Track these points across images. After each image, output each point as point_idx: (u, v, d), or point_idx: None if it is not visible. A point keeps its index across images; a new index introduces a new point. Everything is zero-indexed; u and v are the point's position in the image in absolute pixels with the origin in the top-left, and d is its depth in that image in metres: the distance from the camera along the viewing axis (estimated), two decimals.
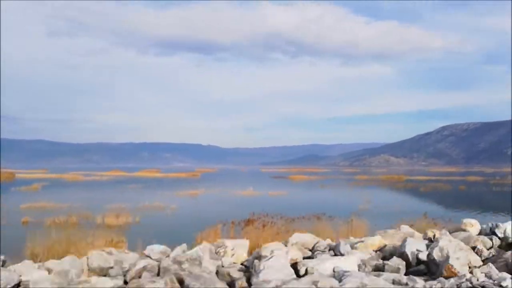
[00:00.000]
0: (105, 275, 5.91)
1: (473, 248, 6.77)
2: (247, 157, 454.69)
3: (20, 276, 5.37)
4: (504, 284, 4.86)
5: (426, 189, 38.14)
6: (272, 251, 6.32)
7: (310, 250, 7.16)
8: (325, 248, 7.07)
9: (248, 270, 5.94)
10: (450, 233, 7.88)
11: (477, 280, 5.08)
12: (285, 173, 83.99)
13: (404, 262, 6.20)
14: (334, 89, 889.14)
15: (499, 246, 7.30)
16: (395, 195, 32.97)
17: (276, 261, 5.69)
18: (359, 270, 5.97)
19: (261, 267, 5.52)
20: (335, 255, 6.67)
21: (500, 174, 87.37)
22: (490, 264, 5.76)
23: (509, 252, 6.46)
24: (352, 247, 6.99)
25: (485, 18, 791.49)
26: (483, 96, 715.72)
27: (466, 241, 7.04)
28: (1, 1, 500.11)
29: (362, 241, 7.21)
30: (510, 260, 6.07)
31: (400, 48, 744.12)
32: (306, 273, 5.70)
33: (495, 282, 4.98)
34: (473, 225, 8.11)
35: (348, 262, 5.94)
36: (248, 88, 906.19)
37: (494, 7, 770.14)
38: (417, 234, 8.00)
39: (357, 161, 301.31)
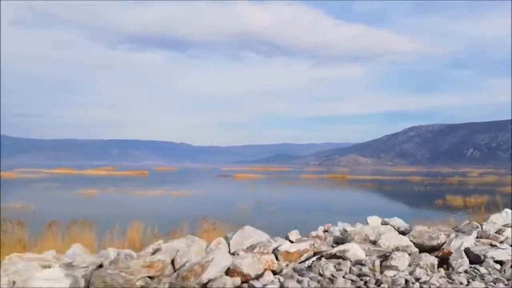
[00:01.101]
0: None
1: None
2: (220, 155, 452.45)
3: None
4: None
5: (348, 188, 38.55)
6: None
7: None
8: None
9: None
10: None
11: None
12: (237, 172, 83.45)
13: None
14: (308, 89, 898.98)
15: None
16: (305, 194, 32.85)
17: None
18: None
19: None
20: None
21: (447, 174, 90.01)
22: None
23: None
24: None
25: (453, 23, 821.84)
26: (449, 99, 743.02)
27: None
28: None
29: None
30: None
31: (370, 50, 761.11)
32: None
33: None
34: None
35: None
36: (222, 86, 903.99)
37: (462, 12, 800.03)
38: None
39: (327, 160, 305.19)
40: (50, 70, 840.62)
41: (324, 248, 5.67)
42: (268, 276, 4.89)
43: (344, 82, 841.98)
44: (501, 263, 5.49)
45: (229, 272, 4.79)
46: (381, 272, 5.05)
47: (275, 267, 5.10)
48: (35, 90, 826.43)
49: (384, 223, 7.23)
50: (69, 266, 4.65)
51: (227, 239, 5.90)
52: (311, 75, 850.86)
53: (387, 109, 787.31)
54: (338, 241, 6.23)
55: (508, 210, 8.30)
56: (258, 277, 4.84)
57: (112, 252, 5.28)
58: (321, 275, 4.93)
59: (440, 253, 5.73)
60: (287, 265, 5.24)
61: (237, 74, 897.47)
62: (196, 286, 4.52)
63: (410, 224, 7.25)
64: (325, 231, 6.80)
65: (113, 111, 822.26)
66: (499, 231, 6.76)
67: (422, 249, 5.94)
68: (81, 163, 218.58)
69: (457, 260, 5.40)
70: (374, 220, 7.22)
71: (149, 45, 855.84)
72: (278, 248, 5.45)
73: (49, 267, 4.53)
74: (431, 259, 5.36)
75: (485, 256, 5.52)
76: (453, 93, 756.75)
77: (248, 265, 4.84)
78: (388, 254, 5.44)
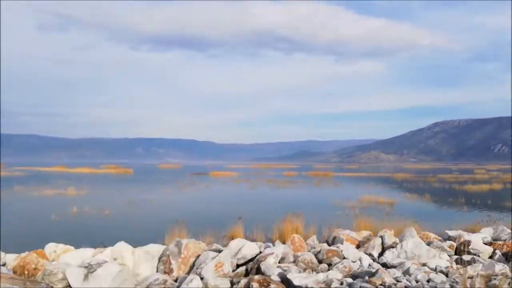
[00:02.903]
0: None
1: None
2: (242, 153, 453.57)
3: None
4: None
5: (299, 186, 36.98)
6: None
7: None
8: None
9: None
10: None
11: None
12: (236, 170, 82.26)
13: None
14: (329, 86, 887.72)
15: None
16: (227, 194, 31.21)
17: None
18: None
19: None
20: None
21: (446, 171, 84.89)
22: None
23: None
24: None
25: (475, 16, 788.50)
26: (475, 93, 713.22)
27: None
28: (1, 1, 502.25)
29: None
30: None
31: (391, 45, 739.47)
32: None
33: None
34: None
35: None
36: (243, 84, 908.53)
37: (483, 6, 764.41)
38: None
39: (348, 157, 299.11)
40: (76, 71, 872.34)
41: None
42: None
43: (366, 77, 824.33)
44: None
45: None
46: None
47: None
48: (63, 91, 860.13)
49: None
50: None
51: None
52: (332, 71, 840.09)
53: (412, 104, 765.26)
54: None
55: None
56: None
57: None
58: None
59: None
60: None
61: (256, 71, 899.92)
62: None
63: None
64: None
65: (138, 110, 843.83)
66: None
67: None
68: (102, 161, 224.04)
69: None
70: None
71: (169, 46, 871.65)
72: None
73: None
74: None
75: None
76: (481, 87, 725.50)
77: None
78: None
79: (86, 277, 5.40)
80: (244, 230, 12.03)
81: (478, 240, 8.45)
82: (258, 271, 6.41)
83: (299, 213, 12.62)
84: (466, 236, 8.57)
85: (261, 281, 5.37)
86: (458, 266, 6.78)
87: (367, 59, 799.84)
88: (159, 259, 7.19)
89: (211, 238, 10.89)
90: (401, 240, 8.11)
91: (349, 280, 5.66)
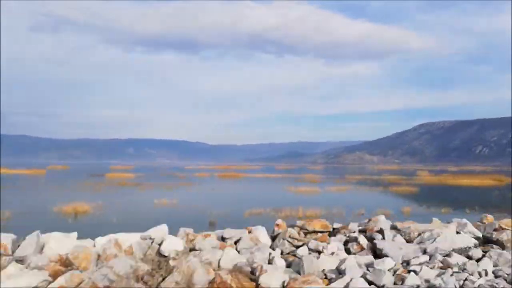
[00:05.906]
0: None
1: None
2: (233, 153, 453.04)
3: None
4: None
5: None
6: None
7: None
8: None
9: None
10: None
11: None
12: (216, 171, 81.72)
13: None
14: (320, 88, 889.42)
15: None
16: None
17: None
18: None
19: None
20: None
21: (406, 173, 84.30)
22: None
23: None
24: None
25: (465, 19, 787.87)
26: (463, 95, 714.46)
27: None
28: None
29: None
30: None
31: (382, 48, 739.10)
32: None
33: None
34: None
35: None
36: (236, 86, 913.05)
37: (473, 9, 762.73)
38: None
39: (334, 158, 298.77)
40: (68, 72, 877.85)
41: None
42: None
43: (358, 79, 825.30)
44: None
45: None
46: None
47: None
48: (55, 91, 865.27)
49: None
50: None
51: None
52: (323, 73, 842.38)
53: (401, 106, 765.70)
54: None
55: None
56: None
57: None
58: None
59: None
60: None
61: (249, 73, 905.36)
62: None
63: None
64: None
65: (130, 111, 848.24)
66: None
67: None
68: (91, 162, 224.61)
69: None
70: None
71: (162, 48, 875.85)
72: None
73: None
74: None
75: None
76: (467, 90, 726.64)
77: None
78: None
79: None
80: None
81: None
82: None
83: None
84: None
85: None
86: None
87: (358, 62, 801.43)
88: None
89: None
90: None
91: None
